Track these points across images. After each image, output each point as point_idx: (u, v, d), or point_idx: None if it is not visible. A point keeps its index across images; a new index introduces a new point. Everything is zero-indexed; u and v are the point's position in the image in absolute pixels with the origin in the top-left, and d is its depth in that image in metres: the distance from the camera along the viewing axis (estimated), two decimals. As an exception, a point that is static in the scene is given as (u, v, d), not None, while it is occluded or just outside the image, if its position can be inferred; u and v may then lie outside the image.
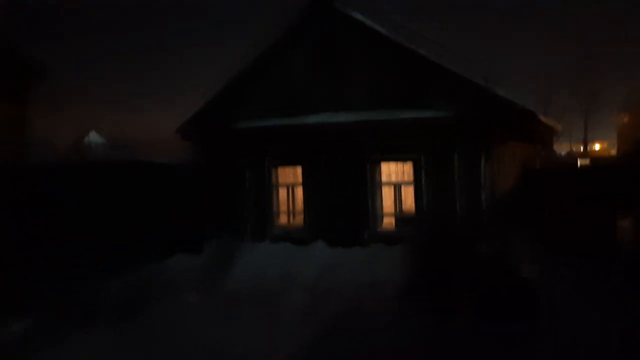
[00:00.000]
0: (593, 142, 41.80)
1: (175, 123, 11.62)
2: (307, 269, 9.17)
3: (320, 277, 8.89)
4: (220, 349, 6.06)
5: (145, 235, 9.32)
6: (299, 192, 11.12)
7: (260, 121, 10.68)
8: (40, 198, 7.84)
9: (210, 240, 10.46)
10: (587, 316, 6.37)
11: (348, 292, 8.02)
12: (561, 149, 37.97)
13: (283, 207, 11.38)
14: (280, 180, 11.31)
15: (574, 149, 38.82)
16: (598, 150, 39.79)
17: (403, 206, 10.82)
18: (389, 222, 10.79)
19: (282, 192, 11.38)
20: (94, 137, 19.74)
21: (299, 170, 11.08)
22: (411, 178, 10.27)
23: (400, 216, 10.65)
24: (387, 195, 10.88)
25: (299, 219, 11.13)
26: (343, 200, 10.35)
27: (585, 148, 38.74)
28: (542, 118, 11.82)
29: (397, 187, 10.78)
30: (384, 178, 10.87)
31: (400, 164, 11.46)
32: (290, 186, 11.38)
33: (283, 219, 11.40)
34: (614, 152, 35.45)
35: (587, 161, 24.00)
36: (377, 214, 10.46)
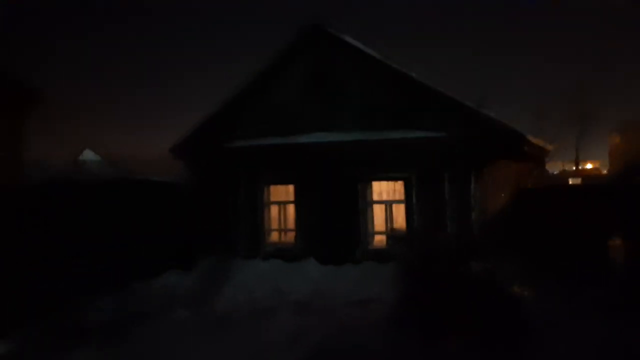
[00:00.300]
0: (586, 161, 42.23)
1: (169, 142, 11.79)
2: (298, 286, 9.18)
3: (312, 294, 8.89)
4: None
5: (137, 252, 9.33)
6: (291, 210, 11.20)
7: (253, 140, 10.81)
8: (32, 215, 7.87)
9: (202, 257, 10.47)
10: (578, 335, 6.37)
11: (339, 310, 8.01)
12: (554, 168, 38.36)
13: (275, 225, 11.45)
14: (273, 198, 11.40)
15: (566, 169, 39.14)
16: (590, 170, 40.14)
17: (394, 224, 10.90)
18: (380, 240, 10.86)
19: (274, 210, 11.45)
20: (88, 154, 19.78)
21: (291, 188, 11.18)
22: (402, 197, 10.38)
23: (392, 234, 10.72)
24: (379, 214, 10.97)
25: (291, 237, 11.18)
26: (335, 218, 10.43)
27: (577, 167, 39.09)
28: (532, 139, 12.01)
29: (389, 206, 10.88)
30: (375, 196, 10.97)
31: (391, 183, 11.58)
32: (282, 204, 11.46)
33: (275, 237, 11.45)
34: (605, 171, 35.77)
35: (578, 180, 24.24)
36: (369, 232, 10.54)
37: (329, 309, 8.05)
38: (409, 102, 10.03)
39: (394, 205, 10.80)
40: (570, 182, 25.83)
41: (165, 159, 11.99)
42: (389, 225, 10.86)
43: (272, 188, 11.41)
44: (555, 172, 36.15)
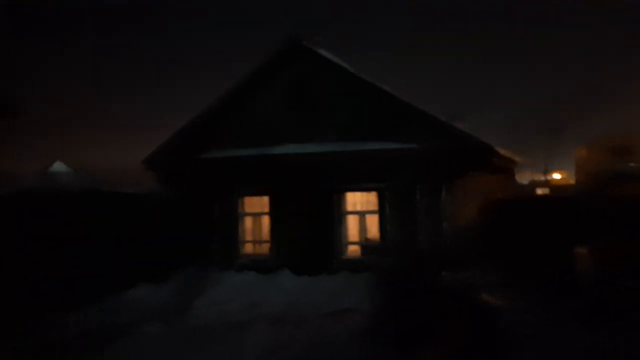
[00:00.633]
0: (554, 172, 43.39)
1: (143, 154, 11.66)
2: (273, 298, 9.15)
3: (287, 306, 8.88)
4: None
5: (108, 265, 9.18)
6: (266, 221, 11.20)
7: (228, 152, 10.82)
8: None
9: (175, 269, 10.35)
10: (550, 344, 6.42)
11: (314, 321, 8.00)
12: (524, 178, 39.29)
13: (249, 237, 11.42)
14: (247, 209, 11.38)
15: (535, 179, 40.12)
16: (558, 180, 41.25)
17: (368, 234, 11.01)
18: (354, 250, 10.95)
19: (249, 222, 11.44)
20: (59, 166, 19.35)
21: (265, 199, 11.19)
22: (376, 207, 10.52)
23: (365, 244, 10.83)
24: (353, 224, 11.08)
25: (265, 248, 11.17)
26: (309, 229, 10.50)
27: (545, 178, 40.16)
28: (502, 151, 12.34)
29: (362, 216, 11.00)
30: (349, 207, 11.09)
31: (365, 194, 11.71)
32: (257, 215, 11.45)
33: (249, 248, 11.42)
34: (572, 181, 36.83)
35: (546, 190, 24.87)
36: (343, 243, 10.63)
37: (304, 320, 8.02)
38: (383, 115, 10.24)
39: (367, 216, 10.92)
40: (539, 192, 26.51)
41: (140, 171, 11.84)
42: (363, 235, 10.98)
43: (247, 199, 11.40)
44: (525, 183, 37.04)
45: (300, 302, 9.02)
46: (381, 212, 10.29)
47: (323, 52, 10.75)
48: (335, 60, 10.71)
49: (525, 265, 9.18)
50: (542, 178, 39.97)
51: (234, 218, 11.12)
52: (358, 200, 11.95)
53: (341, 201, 10.72)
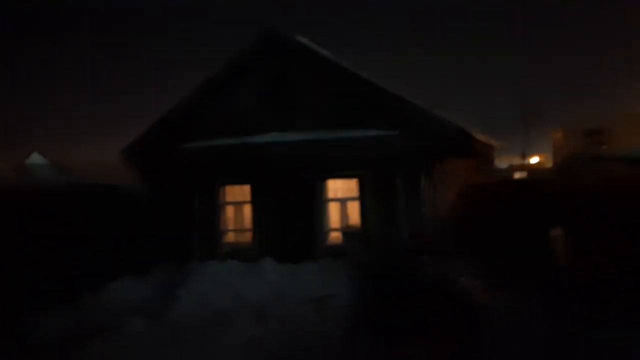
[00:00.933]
0: (532, 156, 44.10)
1: (121, 146, 11.51)
2: (255, 287, 9.19)
3: (269, 294, 8.93)
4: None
5: (88, 260, 9.10)
6: (248, 210, 11.21)
7: (208, 141, 10.76)
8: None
9: (157, 262, 10.30)
10: (525, 330, 6.48)
11: (297, 310, 8.05)
12: (503, 163, 39.85)
13: (231, 226, 11.42)
14: (229, 198, 11.37)
15: (514, 163, 40.74)
16: (536, 164, 41.95)
17: (349, 221, 11.11)
18: (336, 236, 11.04)
19: (230, 211, 11.43)
20: (36, 158, 18.91)
21: (247, 188, 11.19)
22: (357, 194, 10.60)
23: (346, 230, 10.93)
24: (334, 211, 11.16)
25: (248, 237, 11.19)
26: (291, 217, 10.55)
27: (523, 162, 40.83)
28: (480, 136, 12.50)
29: (344, 203, 11.08)
30: (331, 194, 11.15)
31: (346, 181, 11.78)
32: (238, 204, 11.44)
33: (231, 237, 11.42)
34: (549, 165, 37.50)
35: (524, 174, 25.28)
36: (325, 230, 10.71)
37: (287, 308, 8.09)
38: (363, 102, 10.27)
39: (349, 203, 11.01)
40: (517, 176, 26.93)
41: (119, 164, 11.69)
42: (344, 222, 11.07)
43: (228, 189, 11.38)
44: (504, 167, 37.58)
45: (283, 290, 9.09)
46: (362, 199, 10.38)
47: (301, 39, 10.71)
48: (314, 48, 10.68)
49: (503, 250, 9.35)
50: (521, 162, 40.64)
51: (215, 207, 11.10)
52: (339, 187, 12.02)
53: (322, 189, 10.78)
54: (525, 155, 41.47)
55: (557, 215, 9.60)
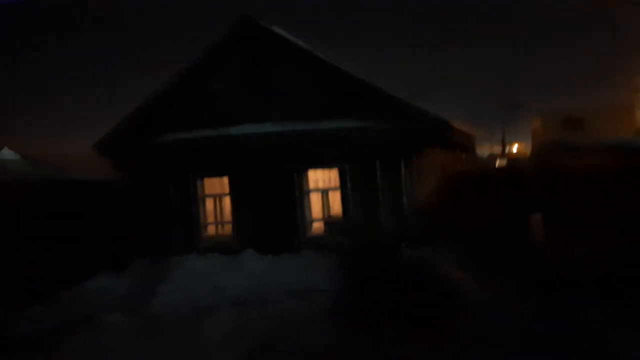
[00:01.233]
0: (512, 144, 44.74)
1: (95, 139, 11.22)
2: (237, 279, 9.12)
3: (251, 287, 8.88)
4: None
5: (64, 256, 8.91)
6: (227, 202, 11.09)
7: (184, 133, 10.58)
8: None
9: (135, 257, 10.15)
10: (509, 316, 6.45)
11: (279, 301, 8.01)
12: (484, 152, 40.39)
13: (211, 219, 11.29)
14: (207, 191, 11.23)
15: (494, 152, 41.27)
16: (516, 152, 42.57)
17: (331, 212, 11.09)
18: (318, 227, 11.02)
19: (210, 203, 11.30)
20: (7, 153, 18.39)
21: (226, 180, 11.06)
22: (338, 184, 10.57)
23: (328, 221, 10.92)
24: (316, 202, 11.12)
25: (228, 230, 11.09)
26: (272, 208, 10.46)
27: (503, 150, 41.40)
28: (459, 126, 12.57)
29: (325, 194, 11.05)
30: (312, 184, 11.10)
31: (327, 171, 11.74)
32: (217, 197, 11.31)
33: (211, 230, 11.31)
34: (528, 153, 38.09)
35: (504, 162, 25.59)
36: (306, 221, 10.67)
37: (269, 301, 8.05)
38: (341, 93, 10.19)
39: (330, 193, 10.98)
40: (497, 164, 27.26)
41: (92, 158, 11.42)
42: (326, 212, 11.05)
43: (207, 181, 11.23)
44: (485, 156, 38.04)
45: (265, 282, 9.03)
46: (343, 189, 10.35)
47: (278, 29, 10.53)
48: (291, 38, 10.53)
49: (482, 237, 9.45)
50: (501, 151, 41.17)
51: (193, 200, 10.94)
52: (320, 178, 11.97)
53: (302, 180, 10.70)
54: (505, 143, 42.07)
55: (534, 202, 9.74)
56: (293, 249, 10.14)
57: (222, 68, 10.69)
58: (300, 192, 10.58)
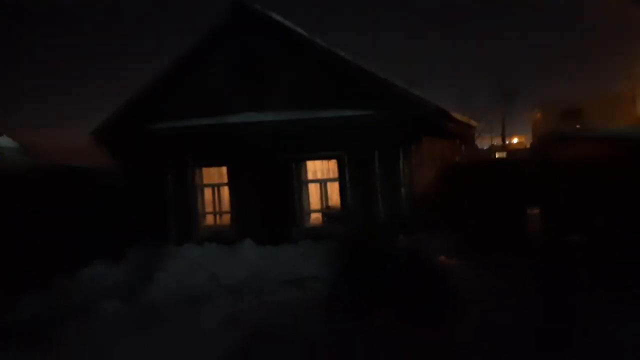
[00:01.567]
0: (512, 136, 44.71)
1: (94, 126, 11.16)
2: (235, 269, 9.12)
3: (248, 277, 8.88)
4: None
5: (61, 244, 8.89)
6: (225, 192, 11.06)
7: (182, 122, 10.50)
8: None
9: (132, 245, 10.13)
10: (504, 304, 6.52)
11: (277, 291, 8.01)
12: (484, 143, 40.40)
13: (209, 208, 11.26)
14: (205, 180, 11.18)
15: (495, 143, 41.24)
16: (516, 144, 42.51)
17: (329, 202, 11.06)
18: (316, 218, 10.99)
19: (208, 193, 11.26)
20: (4, 141, 18.33)
21: (224, 170, 11.01)
22: (336, 175, 10.52)
23: (326, 211, 10.89)
24: (314, 192, 11.08)
25: (226, 219, 11.07)
26: (270, 198, 10.41)
27: (503, 142, 41.33)
28: (458, 116, 12.50)
29: (323, 184, 11.01)
30: (310, 175, 11.05)
31: (325, 162, 11.70)
32: (215, 186, 11.28)
33: (209, 220, 11.28)
34: (528, 145, 38.02)
35: (504, 154, 25.56)
36: (304, 211, 10.63)
37: (265, 290, 8.06)
38: (339, 81, 10.09)
39: (329, 184, 10.94)
40: (497, 156, 27.22)
41: (90, 147, 11.35)
42: (324, 203, 11.02)
43: (205, 170, 11.18)
44: (485, 147, 38.01)
45: (262, 271, 9.03)
46: (341, 179, 10.29)
47: (274, 15, 10.39)
48: (288, 24, 10.37)
49: (481, 229, 9.44)
50: (501, 142, 41.12)
51: (191, 189, 10.89)
52: (318, 168, 11.94)
53: (301, 170, 10.65)
54: (505, 135, 41.97)
55: (533, 192, 9.74)
56: (291, 239, 10.11)
57: (219, 55, 10.57)
58: (299, 182, 10.54)
